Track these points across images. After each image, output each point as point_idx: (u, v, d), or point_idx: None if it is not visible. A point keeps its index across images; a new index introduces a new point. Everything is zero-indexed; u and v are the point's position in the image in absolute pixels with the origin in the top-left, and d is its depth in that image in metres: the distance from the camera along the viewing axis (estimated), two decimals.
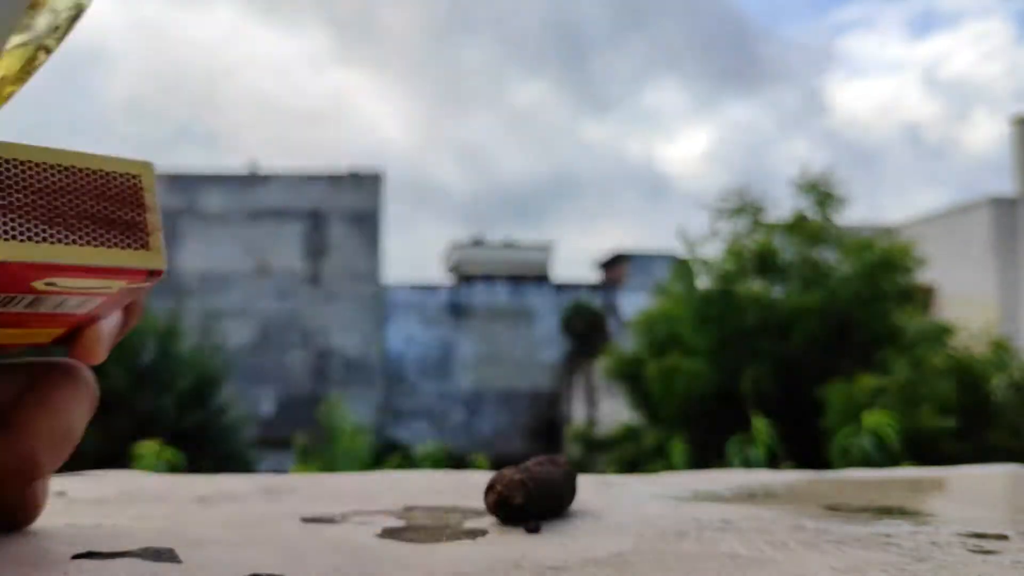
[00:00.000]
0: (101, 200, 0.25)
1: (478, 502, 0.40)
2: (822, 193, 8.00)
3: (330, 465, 3.84)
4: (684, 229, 8.24)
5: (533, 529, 0.35)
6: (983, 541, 0.34)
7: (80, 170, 0.25)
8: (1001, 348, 6.80)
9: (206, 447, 7.87)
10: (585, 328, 17.55)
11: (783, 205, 8.55)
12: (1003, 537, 0.35)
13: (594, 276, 23.50)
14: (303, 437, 4.93)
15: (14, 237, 0.23)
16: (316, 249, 16.06)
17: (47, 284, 0.24)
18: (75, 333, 0.28)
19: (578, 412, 16.63)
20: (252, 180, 14.07)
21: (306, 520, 0.37)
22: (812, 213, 8.07)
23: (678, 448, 3.81)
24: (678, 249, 9.04)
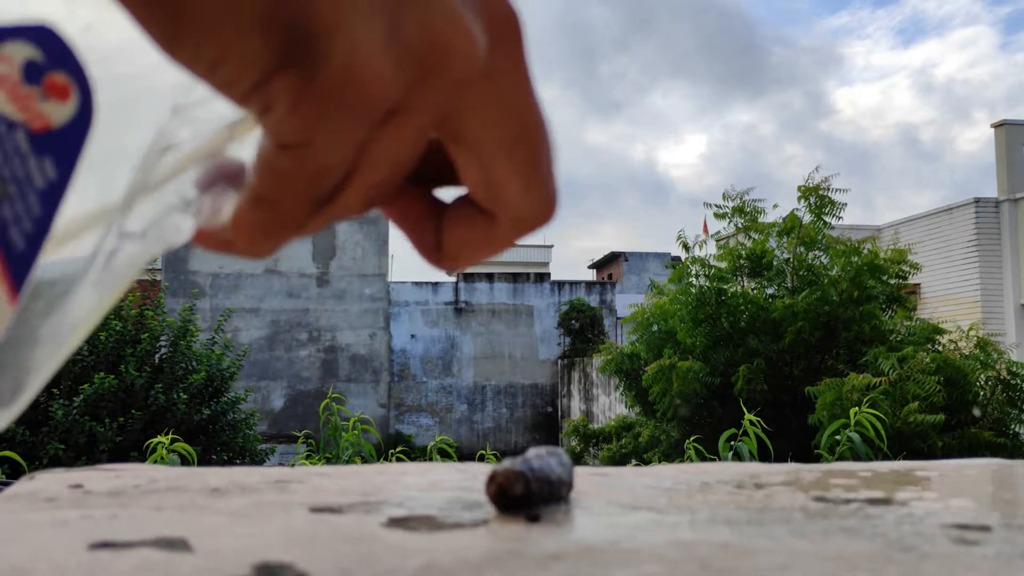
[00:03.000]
0: None
1: (480, 493, 0.41)
2: (820, 197, 8.00)
3: (337, 458, 3.86)
4: (682, 230, 8.30)
5: (532, 518, 0.36)
6: (966, 532, 0.35)
7: None
8: (986, 347, 6.78)
9: (217, 441, 7.92)
10: (582, 326, 17.57)
11: (779, 207, 8.56)
12: (985, 528, 0.35)
13: (591, 275, 23.42)
14: (311, 431, 4.96)
15: None
16: (325, 250, 16.13)
17: None
18: None
19: (575, 406, 16.65)
20: None
21: (314, 510, 0.38)
22: (808, 217, 8.07)
23: (691, 447, 3.82)
24: (674, 249, 9.06)
